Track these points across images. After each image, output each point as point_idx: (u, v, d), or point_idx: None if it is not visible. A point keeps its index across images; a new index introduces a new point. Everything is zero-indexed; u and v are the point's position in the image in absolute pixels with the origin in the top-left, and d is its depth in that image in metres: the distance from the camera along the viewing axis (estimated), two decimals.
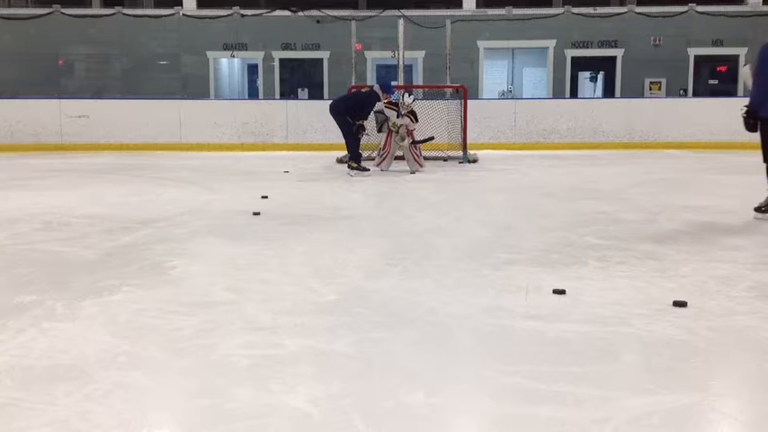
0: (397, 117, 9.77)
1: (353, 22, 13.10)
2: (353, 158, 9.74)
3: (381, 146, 10.17)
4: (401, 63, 12.47)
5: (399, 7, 16.25)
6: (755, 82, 6.08)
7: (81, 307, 3.50)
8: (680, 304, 3.48)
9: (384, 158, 10.03)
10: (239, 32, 17.58)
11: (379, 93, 9.79)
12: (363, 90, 10.39)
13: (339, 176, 9.56)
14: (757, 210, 6.07)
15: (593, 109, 14.39)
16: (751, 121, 6.06)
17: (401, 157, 10.09)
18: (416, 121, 10.10)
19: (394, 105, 9.87)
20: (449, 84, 12.95)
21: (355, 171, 9.58)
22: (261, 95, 17.78)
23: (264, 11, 17.50)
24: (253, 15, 17.46)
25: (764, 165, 6.09)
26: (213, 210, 6.73)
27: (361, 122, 9.69)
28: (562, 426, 2.24)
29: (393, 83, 11.30)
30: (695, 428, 2.32)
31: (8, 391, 2.51)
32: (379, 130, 9.97)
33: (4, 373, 2.65)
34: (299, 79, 18.22)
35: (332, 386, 2.53)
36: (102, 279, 4.04)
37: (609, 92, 17.66)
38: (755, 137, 6.16)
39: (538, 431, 2.23)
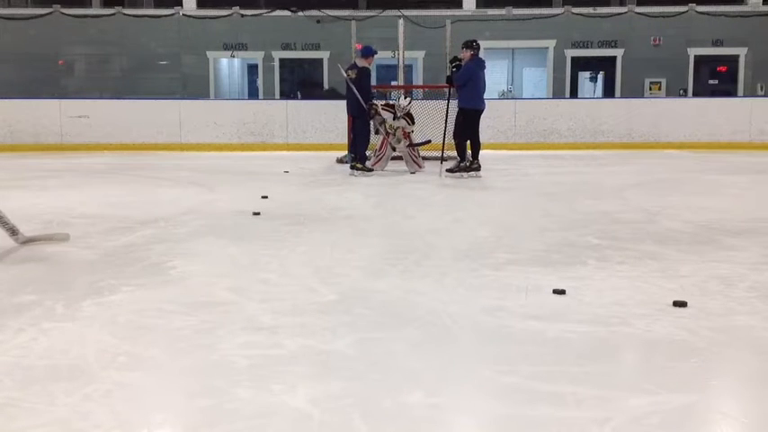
0: (393, 119, 9.79)
1: (353, 22, 13.07)
2: (359, 159, 9.66)
3: (377, 147, 10.19)
4: (401, 63, 12.47)
5: (399, 7, 16.24)
6: None
7: (81, 307, 3.50)
8: (680, 304, 3.48)
9: (379, 159, 10.03)
10: (239, 32, 17.57)
11: (362, 59, 9.73)
12: (351, 76, 9.78)
13: (339, 176, 9.55)
14: None
15: (593, 109, 14.39)
16: None
17: (399, 158, 10.11)
18: (413, 123, 10.13)
19: (390, 108, 9.89)
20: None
21: (360, 171, 9.53)
22: (261, 95, 17.77)
23: (264, 11, 17.49)
24: (253, 15, 17.45)
25: None
26: (213, 210, 6.72)
27: (373, 106, 9.61)
28: (562, 426, 2.24)
29: (393, 82, 11.30)
30: (695, 428, 2.32)
31: (8, 391, 2.50)
32: (376, 132, 9.98)
33: (4, 373, 2.65)
34: (298, 79, 18.21)
35: (332, 386, 2.53)
36: (102, 279, 4.03)
37: (609, 92, 17.65)
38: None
39: (538, 431, 2.23)
